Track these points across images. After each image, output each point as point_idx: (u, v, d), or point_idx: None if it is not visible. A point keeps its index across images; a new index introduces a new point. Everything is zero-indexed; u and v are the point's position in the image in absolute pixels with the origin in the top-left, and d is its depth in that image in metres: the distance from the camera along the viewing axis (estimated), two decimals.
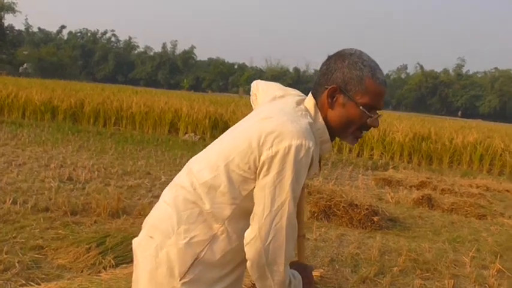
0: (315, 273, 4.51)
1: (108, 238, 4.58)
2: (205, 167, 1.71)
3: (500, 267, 5.18)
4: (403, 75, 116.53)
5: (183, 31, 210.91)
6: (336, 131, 1.75)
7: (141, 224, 1.85)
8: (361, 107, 1.70)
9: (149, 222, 1.80)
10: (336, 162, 12.82)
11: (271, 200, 1.58)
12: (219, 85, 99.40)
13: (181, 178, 1.78)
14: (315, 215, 6.61)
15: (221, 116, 15.35)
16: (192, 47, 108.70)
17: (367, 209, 6.50)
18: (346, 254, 5.25)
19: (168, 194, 1.78)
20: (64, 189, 6.71)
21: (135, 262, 1.81)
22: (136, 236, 1.84)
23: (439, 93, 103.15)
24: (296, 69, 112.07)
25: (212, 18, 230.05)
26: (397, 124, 16.09)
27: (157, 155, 10.83)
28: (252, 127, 1.67)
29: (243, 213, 1.66)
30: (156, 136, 14.35)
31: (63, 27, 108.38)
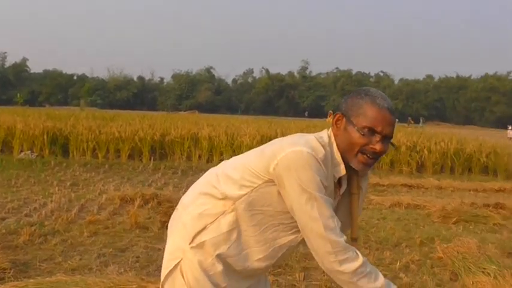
0: None
1: None
2: (231, 164, 2.15)
3: None
4: (250, 80, 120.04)
5: (12, 43, 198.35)
6: (342, 154, 2.03)
7: None
8: (357, 129, 1.98)
9: (180, 200, 2.25)
10: (186, 170, 12.95)
11: (298, 201, 1.92)
12: (57, 98, 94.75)
13: (213, 169, 2.22)
14: (166, 224, 6.63)
15: (60, 131, 14.71)
16: (24, 59, 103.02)
17: None
18: None
19: (199, 180, 2.23)
20: None
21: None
22: None
23: (285, 95, 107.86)
24: (141, 78, 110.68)
25: (44, 28, 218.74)
26: (244, 128, 16.63)
27: None
28: (270, 142, 2.12)
29: (251, 202, 2.00)
30: None
31: None
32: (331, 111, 29.93)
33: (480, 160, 15.39)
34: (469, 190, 11.67)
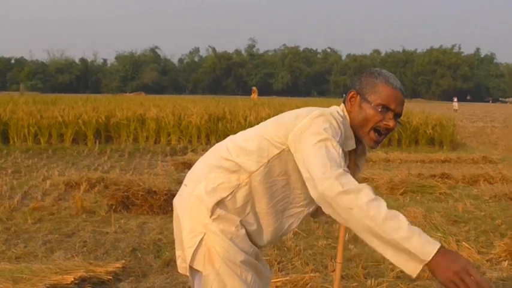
0: (117, 264, 4.56)
1: None
2: (241, 137, 2.19)
3: (297, 229, 5.72)
4: (196, 59, 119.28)
5: None
6: (355, 129, 2.14)
7: None
8: (373, 106, 2.09)
9: (186, 176, 2.25)
10: (133, 152, 12.84)
11: (310, 143, 1.94)
12: None
13: (219, 144, 2.27)
14: (113, 207, 6.59)
15: None
16: None
17: (166, 194, 6.67)
18: (148, 241, 5.36)
19: (204, 155, 2.27)
20: None
21: (174, 212, 2.24)
22: None
23: (233, 73, 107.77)
24: (83, 60, 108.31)
25: None
26: (191, 107, 16.54)
27: None
28: (286, 113, 2.18)
29: (267, 173, 2.06)
30: None
31: None
32: (254, 88, 30.07)
33: (426, 132, 15.81)
34: (416, 162, 12.00)
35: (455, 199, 7.80)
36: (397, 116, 2.14)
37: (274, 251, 5.13)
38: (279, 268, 4.62)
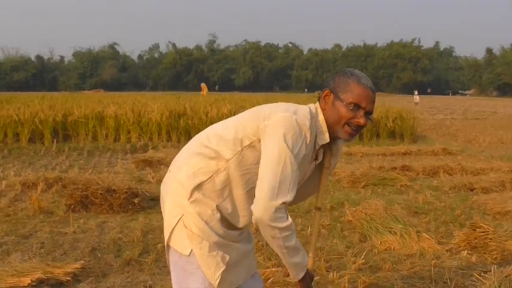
0: (76, 265, 4.49)
1: None
2: (221, 125, 2.39)
3: None
4: (156, 55, 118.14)
5: None
6: (330, 125, 2.33)
7: None
8: (345, 104, 2.29)
9: (171, 164, 2.42)
10: (92, 150, 12.67)
11: (271, 154, 2.16)
12: None
13: (201, 133, 2.44)
14: (71, 207, 6.49)
15: None
16: None
17: (126, 192, 6.61)
18: (108, 241, 5.31)
19: (188, 143, 2.44)
20: None
21: (160, 197, 2.42)
22: None
23: (194, 69, 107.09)
24: (39, 57, 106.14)
25: None
26: (151, 104, 16.40)
27: None
28: (263, 106, 2.36)
29: (241, 161, 2.24)
30: None
31: None
32: (203, 84, 30.11)
33: (387, 125, 16.03)
34: (378, 155, 12.17)
35: (415, 191, 7.94)
36: (367, 113, 2.32)
37: None
38: None
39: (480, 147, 14.40)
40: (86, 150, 12.57)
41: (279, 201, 2.12)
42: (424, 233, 5.32)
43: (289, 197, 2.14)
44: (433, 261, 4.69)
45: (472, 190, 7.96)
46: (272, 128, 2.19)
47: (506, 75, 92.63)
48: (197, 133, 10.10)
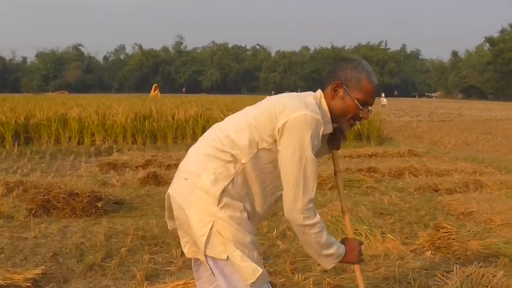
0: (36, 270, 4.42)
1: None
2: (230, 126, 2.40)
3: None
4: (122, 56, 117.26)
5: None
6: (335, 117, 2.44)
7: None
8: (356, 101, 2.39)
9: (181, 169, 2.44)
10: (55, 153, 12.48)
11: (291, 158, 2.27)
12: None
13: (208, 134, 2.46)
14: (33, 212, 6.38)
15: None
16: None
17: (89, 196, 6.52)
18: (70, 246, 5.23)
19: (195, 146, 2.46)
20: None
21: (173, 206, 2.41)
22: None
23: (161, 71, 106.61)
24: (0, 58, 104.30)
25: None
26: (117, 106, 16.26)
27: None
28: (273, 102, 2.39)
29: (257, 161, 2.31)
30: None
31: None
32: (155, 85, 30.12)
33: (354, 127, 16.15)
34: (344, 156, 12.24)
35: (381, 192, 8.04)
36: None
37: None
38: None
39: (445, 149, 14.66)
40: (48, 154, 12.38)
41: (305, 200, 2.29)
42: (389, 234, 5.39)
43: (313, 194, 2.32)
44: (398, 262, 4.76)
45: (436, 191, 8.09)
46: (289, 130, 2.27)
47: (471, 78, 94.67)
48: (164, 135, 10.17)
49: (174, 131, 15.14)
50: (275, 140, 2.30)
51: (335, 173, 2.80)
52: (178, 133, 15.24)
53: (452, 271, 4.19)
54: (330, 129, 2.45)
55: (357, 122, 2.50)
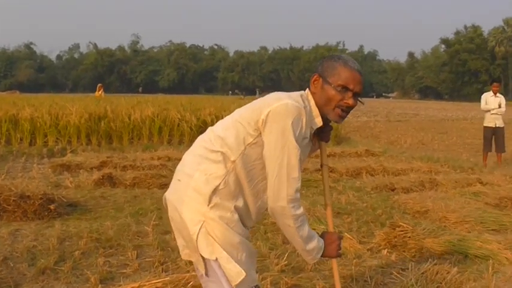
0: None
1: None
2: (220, 126, 2.46)
3: None
4: (76, 55, 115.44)
5: None
6: (321, 108, 2.46)
7: None
8: (334, 87, 2.41)
9: (176, 171, 2.50)
10: (6, 155, 12.18)
11: (274, 146, 2.29)
12: None
13: (202, 136, 2.51)
14: None
15: None
16: None
17: (41, 198, 6.40)
18: (21, 249, 5.12)
19: (190, 149, 2.51)
20: None
21: (168, 207, 2.45)
22: None
23: (116, 71, 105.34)
24: None
25: None
26: (70, 106, 15.97)
27: None
28: (260, 99, 2.45)
29: (246, 158, 2.33)
30: None
31: None
32: (100, 85, 30.00)
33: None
34: None
35: (339, 192, 8.14)
36: (356, 94, 2.46)
37: (158, 251, 5.10)
38: (162, 269, 4.60)
39: (401, 149, 14.94)
40: None
41: (291, 190, 2.31)
42: (346, 233, 5.46)
43: (299, 184, 2.34)
44: (355, 261, 4.83)
45: (393, 190, 8.24)
46: (271, 119, 2.30)
47: (427, 79, 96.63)
48: (119, 136, 10.10)
49: (130, 132, 15.01)
50: (260, 133, 2.33)
51: (321, 166, 2.84)
52: (135, 133, 15.10)
53: (408, 269, 4.29)
54: (319, 123, 2.49)
55: (344, 111, 2.47)
